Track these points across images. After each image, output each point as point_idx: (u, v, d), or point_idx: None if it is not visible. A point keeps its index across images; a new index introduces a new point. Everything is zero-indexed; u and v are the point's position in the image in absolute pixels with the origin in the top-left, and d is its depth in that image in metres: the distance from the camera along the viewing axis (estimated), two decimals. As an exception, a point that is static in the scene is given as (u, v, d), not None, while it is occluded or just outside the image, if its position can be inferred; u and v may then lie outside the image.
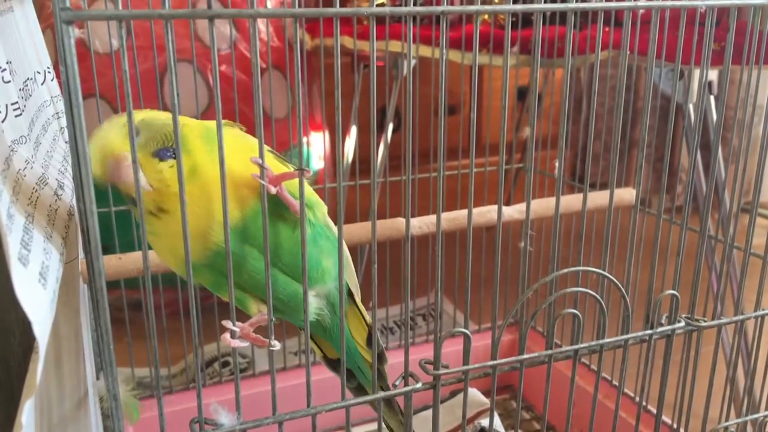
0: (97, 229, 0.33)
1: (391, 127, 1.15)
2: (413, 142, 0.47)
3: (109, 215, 0.76)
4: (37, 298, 0.28)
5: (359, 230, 0.65)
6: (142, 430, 0.78)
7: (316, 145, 1.23)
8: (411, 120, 0.39)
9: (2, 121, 0.37)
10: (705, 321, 0.50)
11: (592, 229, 0.83)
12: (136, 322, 0.72)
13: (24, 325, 0.52)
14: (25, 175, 0.35)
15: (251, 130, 0.41)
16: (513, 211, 0.71)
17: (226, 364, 1.01)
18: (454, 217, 0.68)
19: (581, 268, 0.45)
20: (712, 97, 0.86)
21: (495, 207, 0.71)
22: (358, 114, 1.17)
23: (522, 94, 1.46)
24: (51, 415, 0.35)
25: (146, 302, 0.35)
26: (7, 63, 0.41)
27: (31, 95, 0.46)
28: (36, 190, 0.35)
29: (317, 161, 1.24)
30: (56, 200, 0.37)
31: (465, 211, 0.67)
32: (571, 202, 0.71)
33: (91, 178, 0.33)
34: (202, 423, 0.37)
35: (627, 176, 1.48)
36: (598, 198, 0.71)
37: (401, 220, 0.66)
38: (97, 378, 0.49)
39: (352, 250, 1.26)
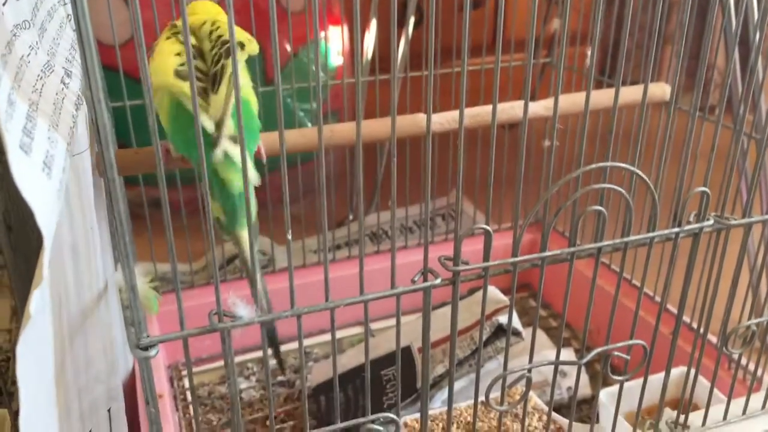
0: (107, 119, 0.32)
1: (412, 21, 1.10)
2: (435, 37, 0.45)
3: (124, 110, 0.75)
4: (41, 187, 0.27)
5: (379, 126, 0.64)
6: (166, 322, 0.80)
7: (335, 40, 1.19)
8: (434, 13, 0.36)
9: (3, 5, 0.35)
10: (735, 219, 0.48)
11: (620, 128, 0.81)
12: (158, 219, 0.72)
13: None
14: (29, 62, 0.34)
15: (267, 22, 0.39)
16: (538, 107, 0.68)
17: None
18: (476, 114, 0.66)
19: (609, 163, 0.43)
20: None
21: (520, 102, 0.68)
22: (378, 7, 1.12)
23: (551, -15, 1.38)
24: (69, 307, 0.35)
25: (162, 195, 0.34)
26: (6, -58, 0.38)
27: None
28: (41, 78, 0.33)
29: (336, 57, 1.20)
30: (63, 88, 0.36)
31: (488, 107, 0.64)
32: (600, 97, 0.68)
33: (98, 65, 0.32)
34: (221, 314, 0.37)
35: (658, 73, 1.43)
36: (628, 94, 0.68)
37: (421, 116, 0.64)
38: (116, 270, 0.50)
39: (371, 146, 1.24)
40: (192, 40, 0.50)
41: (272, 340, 0.53)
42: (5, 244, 0.44)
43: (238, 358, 0.84)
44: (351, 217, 1.17)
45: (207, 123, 0.46)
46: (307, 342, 0.88)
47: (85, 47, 0.30)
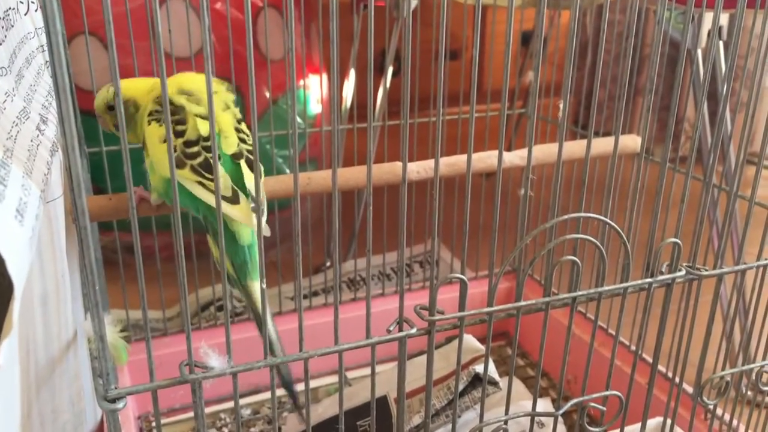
0: (80, 166, 0.32)
1: (391, 70, 1.12)
2: (413, 87, 0.46)
3: (100, 155, 0.74)
4: (13, 235, 0.27)
5: (356, 174, 0.64)
6: (137, 371, 0.79)
7: (314, 88, 1.20)
8: (410, 63, 0.37)
9: (-20, 52, 0.35)
10: (706, 270, 0.49)
11: (594, 178, 0.82)
12: (132, 265, 0.72)
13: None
14: (4, 108, 0.34)
15: (245, 71, 0.40)
16: (513, 157, 0.69)
17: (221, 308, 1.01)
18: (453, 162, 0.67)
19: (582, 214, 0.44)
20: (721, 43, 0.84)
21: (495, 152, 0.69)
22: (358, 57, 1.14)
23: (526, 38, 1.42)
24: (37, 356, 0.34)
25: (135, 243, 0.34)
26: (-15, -10, 0.39)
27: (13, 26, 0.43)
28: (16, 124, 0.33)
29: (315, 105, 1.21)
30: (38, 135, 0.36)
31: (464, 156, 0.65)
32: (574, 148, 0.70)
33: (74, 113, 0.32)
34: (192, 366, 0.37)
35: (630, 124, 1.46)
36: (600, 145, 0.70)
37: (399, 164, 0.65)
38: (85, 319, 0.49)
39: (349, 193, 1.25)
40: (178, 122, 0.52)
41: (287, 385, 0.53)
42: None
43: (210, 409, 0.82)
44: (328, 264, 1.16)
45: (208, 197, 0.50)
46: (281, 392, 0.87)
47: (61, 96, 0.30)
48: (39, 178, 0.33)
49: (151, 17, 0.93)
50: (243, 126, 0.56)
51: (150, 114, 0.54)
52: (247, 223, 0.50)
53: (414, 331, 0.41)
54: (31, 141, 0.34)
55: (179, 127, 0.52)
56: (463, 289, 0.41)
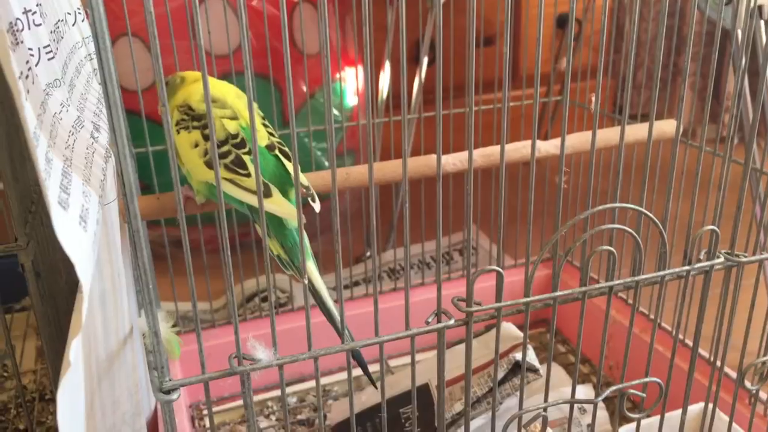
0: (131, 172, 0.34)
1: (426, 60, 1.13)
2: (447, 75, 0.46)
3: (147, 155, 0.77)
4: (78, 241, 0.29)
5: (393, 168, 0.65)
6: (188, 362, 0.82)
7: (350, 81, 1.21)
8: (441, 53, 0.38)
9: (36, 65, 0.37)
10: (745, 256, 0.49)
11: (632, 164, 0.81)
12: (179, 258, 0.74)
13: (70, 264, 0.54)
14: (61, 119, 0.36)
15: (283, 66, 0.42)
16: (549, 146, 0.69)
17: (266, 299, 1.03)
18: (488, 153, 0.67)
19: (617, 204, 0.44)
20: (762, 22, 0.82)
21: (529, 142, 0.69)
22: (392, 47, 1.14)
23: (562, 22, 1.41)
24: (98, 352, 0.36)
25: (183, 240, 0.35)
26: (37, 5, 0.41)
27: (62, 37, 0.46)
28: (72, 134, 0.35)
29: (351, 97, 1.23)
30: (93, 143, 0.38)
31: (499, 147, 0.66)
32: (610, 135, 0.70)
33: (124, 123, 0.33)
34: (240, 358, 0.38)
35: (671, 106, 1.44)
36: (637, 131, 0.69)
37: (434, 157, 0.65)
38: (139, 315, 0.51)
39: (386, 187, 1.25)
40: (204, 126, 0.54)
41: (360, 362, 0.54)
42: (34, 290, 0.46)
43: (257, 397, 0.85)
44: (368, 254, 1.18)
45: (245, 196, 0.52)
46: (326, 380, 0.89)
47: (112, 105, 0.32)
48: (96, 184, 0.35)
49: (191, 16, 0.95)
50: (267, 122, 0.58)
51: (177, 123, 0.55)
52: (284, 214, 0.51)
53: (452, 322, 0.43)
54: (87, 149, 0.36)
55: (206, 131, 0.53)
56: (500, 281, 0.42)
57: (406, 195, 0.40)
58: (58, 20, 0.47)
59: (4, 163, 0.44)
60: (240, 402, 0.84)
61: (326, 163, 1.16)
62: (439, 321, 0.43)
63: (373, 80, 1.09)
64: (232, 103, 0.55)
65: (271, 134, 0.56)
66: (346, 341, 0.41)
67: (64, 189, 0.30)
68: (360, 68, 1.24)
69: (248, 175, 0.52)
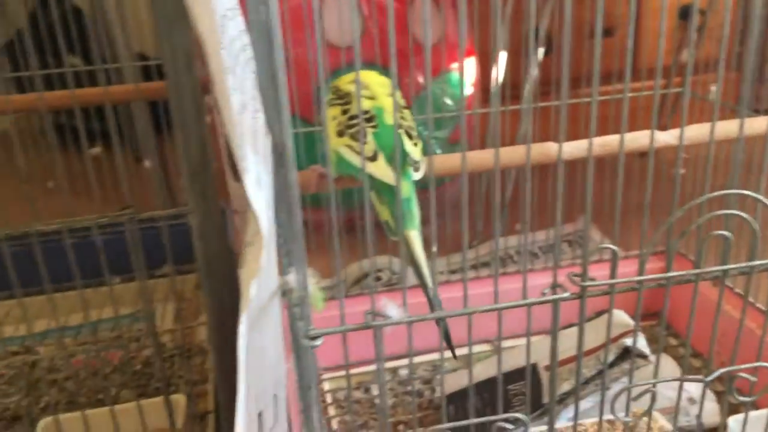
0: (290, 146, 0.40)
1: (542, 51, 1.14)
2: (562, 67, 0.49)
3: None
4: (258, 198, 0.35)
5: (508, 154, 0.68)
6: (323, 324, 0.88)
7: (467, 71, 1.25)
8: (553, 43, 0.41)
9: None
10: None
11: (752, 158, 0.80)
12: (310, 239, 0.81)
13: (223, 234, 0.62)
14: (232, 102, 0.42)
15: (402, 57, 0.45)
16: (667, 136, 0.70)
17: (378, 278, 1.09)
18: (605, 142, 0.69)
19: (735, 191, 0.46)
20: None
21: (648, 132, 0.70)
22: (510, 38, 1.16)
23: (684, 13, 1.37)
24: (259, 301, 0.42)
25: (332, 209, 0.41)
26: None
27: (225, 32, 0.52)
28: (241, 113, 0.41)
29: (468, 87, 1.26)
30: (255, 122, 0.44)
31: (617, 136, 0.67)
32: (730, 127, 0.69)
33: (285, 106, 0.40)
34: (375, 313, 0.43)
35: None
36: (759, 125, 0.69)
37: (550, 144, 0.68)
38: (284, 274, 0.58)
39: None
40: (344, 103, 0.63)
41: (446, 333, 0.59)
42: (200, 251, 0.53)
43: (371, 367, 0.91)
44: (476, 242, 1.21)
45: (357, 160, 0.59)
46: (435, 356, 0.93)
47: (279, 92, 0.38)
48: (262, 155, 0.41)
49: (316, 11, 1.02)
50: (406, 113, 0.63)
51: (328, 102, 0.64)
52: (381, 176, 0.57)
53: (567, 294, 0.46)
54: (251, 126, 0.42)
55: (345, 107, 0.61)
56: (614, 259, 0.45)
57: (528, 174, 0.43)
58: (222, 16, 0.54)
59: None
60: (357, 369, 0.90)
61: (438, 152, 1.20)
62: (554, 293, 0.46)
63: (499, 69, 1.12)
64: (374, 87, 0.61)
65: (403, 118, 0.61)
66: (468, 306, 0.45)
67: (244, 158, 0.36)
68: (476, 59, 1.27)
69: (365, 143, 0.58)
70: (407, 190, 0.58)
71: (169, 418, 0.71)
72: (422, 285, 0.56)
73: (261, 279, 0.36)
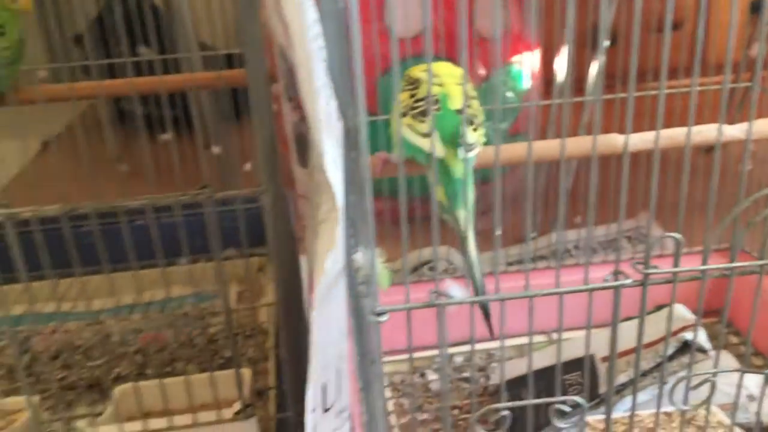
0: (364, 133, 0.42)
1: (606, 43, 1.13)
2: (628, 60, 0.49)
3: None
4: (336, 176, 0.38)
5: (574, 144, 0.69)
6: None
7: (528, 64, 1.25)
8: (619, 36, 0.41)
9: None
10: None
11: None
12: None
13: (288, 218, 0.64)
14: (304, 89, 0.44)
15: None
16: (734, 131, 0.69)
17: (432, 269, 1.11)
18: (671, 135, 0.69)
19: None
20: None
21: (715, 125, 0.70)
22: (574, 30, 1.16)
23: (756, 7, 1.34)
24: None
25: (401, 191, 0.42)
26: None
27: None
28: (315, 100, 0.43)
29: (527, 80, 1.26)
30: (328, 107, 0.46)
31: (682, 129, 0.67)
32: (802, 122, 0.68)
33: (361, 91, 0.42)
34: (439, 293, 0.45)
35: None
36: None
37: (615, 136, 0.68)
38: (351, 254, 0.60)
39: (554, 166, 1.27)
40: (413, 88, 0.65)
41: (485, 311, 0.61)
42: (272, 230, 0.56)
43: (427, 353, 0.92)
44: (533, 235, 1.21)
45: (418, 140, 0.61)
46: (495, 344, 0.94)
47: (356, 78, 0.40)
48: (335, 139, 0.43)
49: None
50: (474, 102, 0.64)
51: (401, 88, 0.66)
52: (432, 151, 0.58)
53: (629, 281, 0.46)
54: (326, 111, 0.44)
55: (414, 91, 0.64)
56: (678, 247, 0.45)
57: (595, 164, 0.44)
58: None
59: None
60: (413, 355, 0.92)
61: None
62: (616, 280, 0.46)
63: (563, 62, 1.12)
64: (444, 77, 0.63)
65: (469, 107, 0.62)
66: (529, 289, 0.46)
67: (322, 141, 0.39)
68: (537, 52, 1.26)
69: (423, 123, 0.60)
70: (460, 170, 0.60)
71: (239, 390, 0.74)
72: (468, 266, 0.57)
73: (335, 253, 0.38)
